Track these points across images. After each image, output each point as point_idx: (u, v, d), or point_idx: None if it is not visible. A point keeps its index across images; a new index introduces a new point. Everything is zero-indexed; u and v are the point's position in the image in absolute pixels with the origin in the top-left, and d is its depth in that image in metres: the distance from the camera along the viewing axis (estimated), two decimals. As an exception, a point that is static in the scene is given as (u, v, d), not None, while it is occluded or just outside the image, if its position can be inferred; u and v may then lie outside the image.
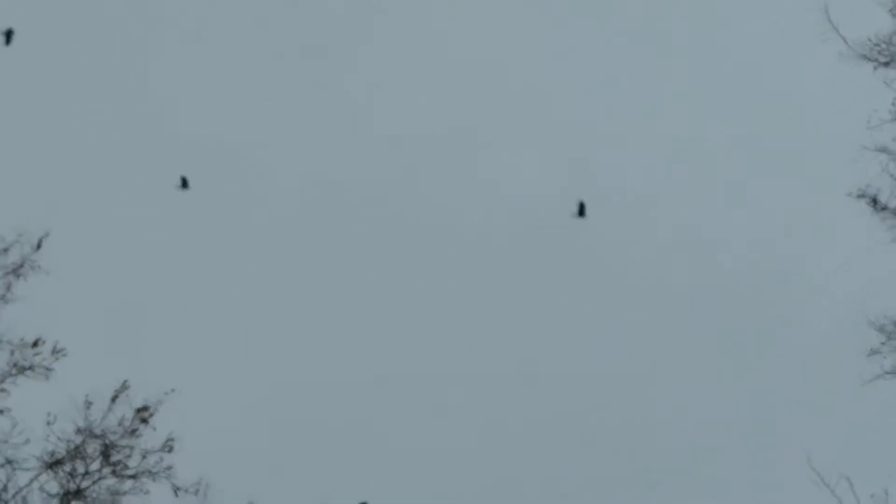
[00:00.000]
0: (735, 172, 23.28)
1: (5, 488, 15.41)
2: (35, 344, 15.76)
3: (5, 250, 15.63)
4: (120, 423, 15.67)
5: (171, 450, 15.74)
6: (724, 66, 25.38)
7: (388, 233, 23.46)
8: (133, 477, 15.61)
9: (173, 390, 15.74)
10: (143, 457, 15.65)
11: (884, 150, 15.18)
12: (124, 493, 15.59)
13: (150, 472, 15.67)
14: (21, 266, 15.67)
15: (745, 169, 23.08)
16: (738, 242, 21.77)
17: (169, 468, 15.73)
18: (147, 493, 15.64)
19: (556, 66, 26.60)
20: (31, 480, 15.53)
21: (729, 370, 19.56)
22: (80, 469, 15.51)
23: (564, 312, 22.06)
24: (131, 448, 15.65)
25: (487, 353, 21.28)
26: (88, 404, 15.67)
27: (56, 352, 15.83)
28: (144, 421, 15.55)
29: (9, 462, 15.49)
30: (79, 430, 15.58)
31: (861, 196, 15.36)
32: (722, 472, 17.93)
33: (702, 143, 24.25)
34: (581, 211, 24.25)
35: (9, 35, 21.22)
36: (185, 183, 24.84)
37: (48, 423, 15.64)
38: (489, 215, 23.88)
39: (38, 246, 15.92)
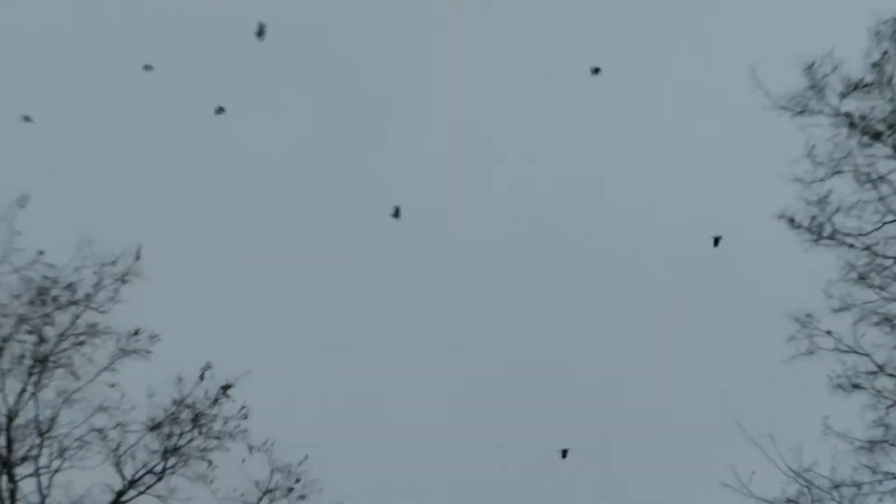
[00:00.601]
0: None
1: (118, 446, 19.78)
2: (136, 332, 20.04)
3: (114, 262, 19.86)
4: (206, 396, 20.05)
5: (245, 417, 20.11)
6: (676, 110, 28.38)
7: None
8: (217, 438, 19.97)
9: (249, 371, 20.02)
10: (224, 422, 20.05)
11: (799, 180, 19.15)
12: (210, 451, 19.96)
13: (229, 434, 20.05)
14: (126, 273, 19.90)
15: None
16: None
17: (244, 431, 20.09)
18: (228, 450, 20.00)
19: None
20: (138, 440, 19.91)
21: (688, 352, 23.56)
22: (176, 431, 19.89)
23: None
24: (215, 415, 20.04)
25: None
26: (180, 380, 20.04)
27: (152, 338, 20.09)
28: (226, 394, 19.91)
29: (120, 425, 19.82)
30: (174, 401, 19.97)
31: (781, 217, 19.38)
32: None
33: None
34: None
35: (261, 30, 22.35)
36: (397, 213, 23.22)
37: (149, 395, 19.99)
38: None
39: (138, 257, 20.06)
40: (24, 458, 19.47)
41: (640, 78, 27.47)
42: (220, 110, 22.74)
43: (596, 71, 23.59)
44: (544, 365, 24.94)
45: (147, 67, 22.51)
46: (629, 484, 22.26)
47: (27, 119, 21.48)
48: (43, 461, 19.55)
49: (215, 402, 19.86)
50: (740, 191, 22.45)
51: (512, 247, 26.82)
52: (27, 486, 19.48)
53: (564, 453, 23.21)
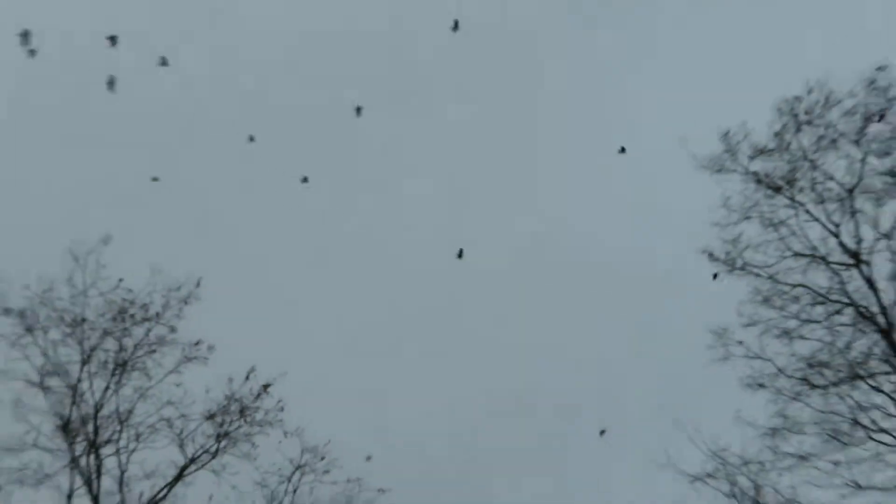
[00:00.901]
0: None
1: (181, 431, 24.94)
2: (196, 343, 25.13)
3: (178, 288, 24.94)
4: (250, 392, 25.20)
5: (281, 409, 25.26)
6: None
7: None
8: (259, 425, 25.13)
9: (285, 373, 25.14)
10: (265, 413, 25.21)
11: (717, 224, 24.06)
12: (253, 435, 25.11)
13: (269, 422, 25.20)
14: (188, 297, 24.96)
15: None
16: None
17: (280, 420, 25.24)
18: (267, 435, 25.15)
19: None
20: (197, 427, 25.09)
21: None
22: (226, 420, 25.05)
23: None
24: (257, 407, 25.20)
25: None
26: (230, 380, 25.17)
27: (209, 348, 25.18)
28: (266, 391, 25.06)
29: (183, 415, 24.99)
30: (225, 396, 25.13)
31: (704, 252, 24.25)
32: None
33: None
34: None
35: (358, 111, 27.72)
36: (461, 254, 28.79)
37: (206, 392, 25.14)
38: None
39: (198, 284, 25.10)
40: (108, 441, 24.65)
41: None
42: (305, 180, 28.15)
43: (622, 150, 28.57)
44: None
45: (251, 139, 27.81)
46: (582, 463, 27.36)
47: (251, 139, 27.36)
48: (122, 443, 24.77)
49: (257, 397, 25.02)
50: (675, 230, 27.18)
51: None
52: (110, 463, 24.68)
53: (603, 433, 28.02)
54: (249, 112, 30.47)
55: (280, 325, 28.33)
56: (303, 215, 31.43)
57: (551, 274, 30.90)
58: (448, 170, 33.39)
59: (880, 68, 22.59)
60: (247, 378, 25.07)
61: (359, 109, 27.57)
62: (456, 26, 26.55)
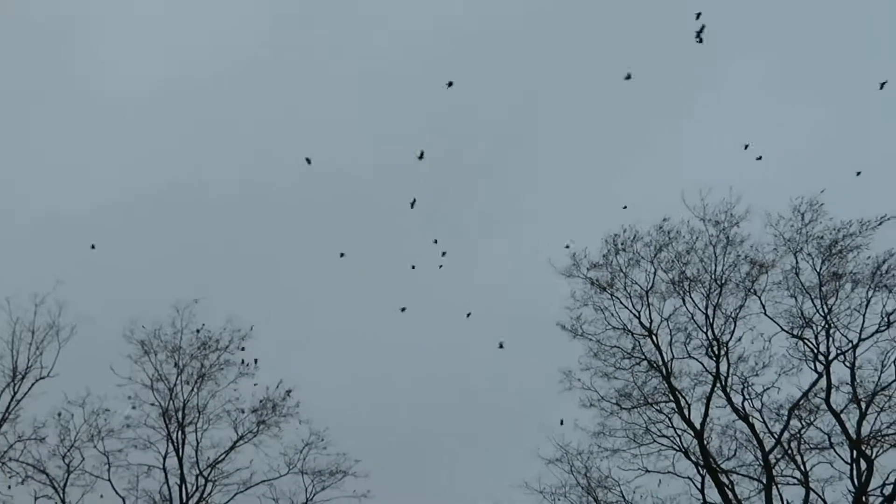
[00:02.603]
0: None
1: (236, 419, 40.07)
2: (247, 364, 40.38)
3: (239, 329, 40.22)
4: (279, 395, 40.38)
5: (298, 406, 40.31)
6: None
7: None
8: (284, 416, 40.22)
9: (295, 386, 40.33)
10: (288, 408, 40.39)
11: (567, 308, 39.23)
12: (281, 423, 40.20)
13: (290, 414, 40.29)
14: (245, 336, 40.22)
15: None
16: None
17: (297, 413, 40.27)
18: (289, 422, 40.20)
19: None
20: (245, 416, 40.23)
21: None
22: (264, 412, 40.23)
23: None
24: (284, 405, 40.35)
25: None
26: (267, 388, 40.38)
27: (256, 366, 40.40)
28: (289, 395, 40.24)
29: (237, 409, 40.12)
30: (263, 397, 40.32)
31: (558, 324, 39.37)
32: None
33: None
34: None
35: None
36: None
37: (252, 395, 40.36)
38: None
39: (251, 328, 40.38)
40: (190, 423, 39.89)
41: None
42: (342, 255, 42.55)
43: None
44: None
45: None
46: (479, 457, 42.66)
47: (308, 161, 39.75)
48: (199, 425, 39.97)
49: (283, 398, 40.16)
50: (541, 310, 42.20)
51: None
52: (190, 437, 39.88)
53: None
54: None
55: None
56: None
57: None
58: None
59: (665, 219, 37.71)
60: (277, 387, 40.29)
61: None
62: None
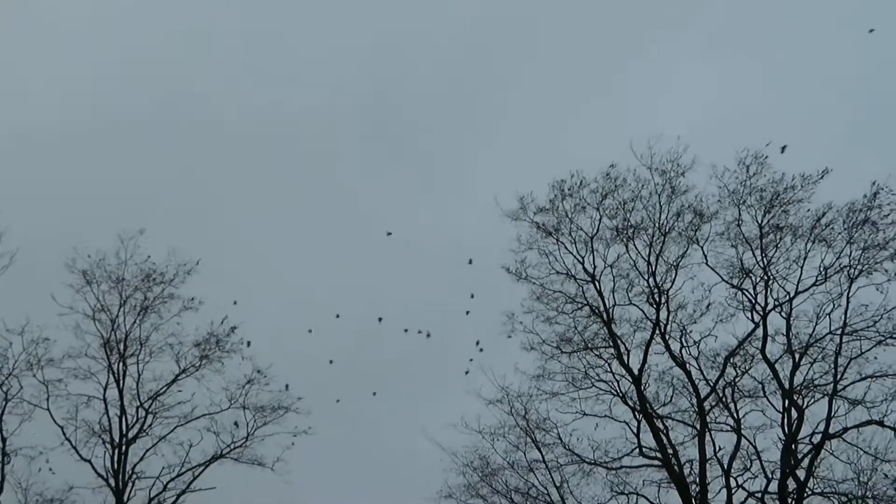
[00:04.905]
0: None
1: (178, 353, 39.96)
2: (192, 299, 40.20)
3: (185, 263, 40.01)
4: (223, 330, 40.29)
5: (242, 343, 40.30)
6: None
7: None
8: (227, 352, 40.19)
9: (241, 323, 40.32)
10: (232, 344, 40.31)
11: (513, 251, 39.54)
12: (224, 358, 40.14)
13: (234, 350, 40.28)
14: (190, 270, 40.05)
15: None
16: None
17: (241, 349, 40.27)
18: (232, 358, 40.19)
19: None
20: (188, 350, 40.14)
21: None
22: (207, 347, 40.11)
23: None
24: (228, 340, 40.28)
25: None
26: (211, 322, 40.24)
27: (200, 302, 40.28)
28: (234, 331, 40.15)
29: (179, 343, 40.00)
30: (207, 332, 40.13)
31: (503, 267, 39.74)
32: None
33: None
34: None
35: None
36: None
37: (195, 329, 40.21)
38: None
39: (197, 262, 40.17)
40: (132, 355, 39.82)
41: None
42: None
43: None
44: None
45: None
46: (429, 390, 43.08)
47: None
48: (141, 357, 39.92)
49: (228, 333, 40.13)
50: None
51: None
52: (132, 369, 39.80)
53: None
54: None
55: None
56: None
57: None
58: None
59: (612, 165, 37.84)
60: (221, 322, 40.25)
61: None
62: None
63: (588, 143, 42.17)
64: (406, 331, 43.19)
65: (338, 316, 44.31)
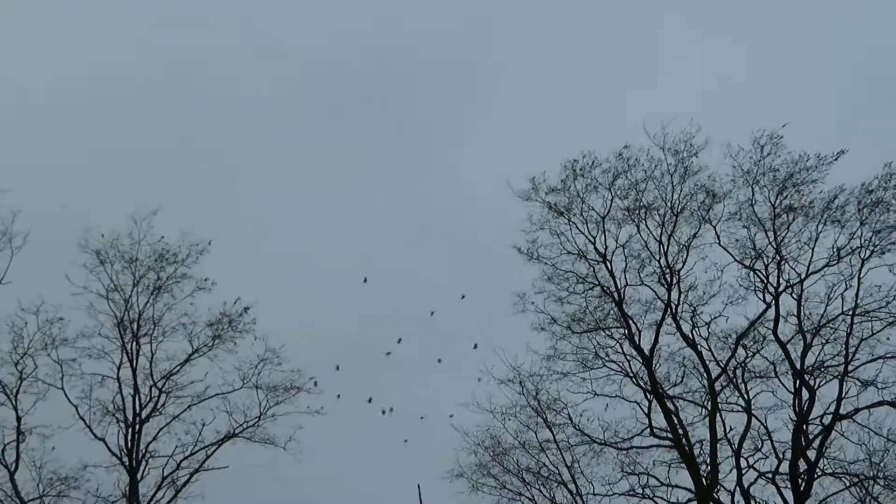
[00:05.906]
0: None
1: (191, 332, 40.15)
2: (206, 279, 40.36)
3: (198, 243, 40.10)
4: (236, 311, 40.40)
5: (254, 322, 40.44)
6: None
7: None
8: (240, 331, 40.33)
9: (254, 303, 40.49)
10: (244, 324, 40.48)
11: (524, 231, 39.56)
12: (237, 338, 40.29)
13: (246, 330, 40.45)
14: (203, 250, 40.15)
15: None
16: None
17: (253, 329, 40.45)
18: (244, 338, 40.36)
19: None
20: (201, 330, 40.31)
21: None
22: (220, 327, 40.25)
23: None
24: (240, 320, 40.42)
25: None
26: (224, 303, 40.36)
27: (213, 283, 40.42)
28: (246, 311, 40.28)
29: (193, 322, 40.21)
30: (220, 312, 40.28)
31: (514, 247, 39.74)
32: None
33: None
34: None
35: None
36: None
37: (209, 309, 40.39)
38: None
39: (209, 243, 40.26)
40: (145, 334, 39.88)
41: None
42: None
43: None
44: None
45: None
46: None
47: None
48: (154, 336, 40.01)
49: (241, 314, 40.25)
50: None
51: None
52: (145, 349, 39.95)
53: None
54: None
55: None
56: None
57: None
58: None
59: (625, 146, 37.71)
60: (234, 303, 40.38)
61: None
62: None
63: (590, 115, 41.94)
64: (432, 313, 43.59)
65: (365, 280, 45.18)
